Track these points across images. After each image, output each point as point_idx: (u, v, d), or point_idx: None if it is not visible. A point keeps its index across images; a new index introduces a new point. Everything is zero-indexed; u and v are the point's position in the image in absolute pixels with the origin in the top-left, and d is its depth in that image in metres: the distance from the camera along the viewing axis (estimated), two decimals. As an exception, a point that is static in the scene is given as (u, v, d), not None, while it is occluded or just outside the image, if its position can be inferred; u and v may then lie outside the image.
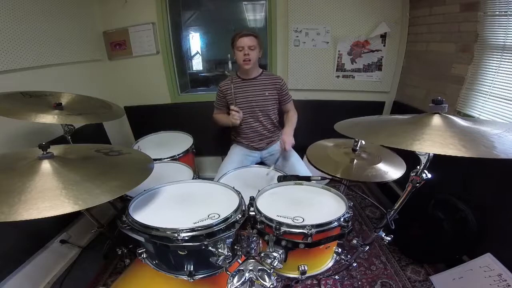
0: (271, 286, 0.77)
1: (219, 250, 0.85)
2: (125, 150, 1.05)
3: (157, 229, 0.82)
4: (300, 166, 1.62)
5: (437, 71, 1.91)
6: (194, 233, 0.81)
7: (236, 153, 1.79)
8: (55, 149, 0.87)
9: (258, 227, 0.91)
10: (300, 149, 1.59)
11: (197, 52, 2.95)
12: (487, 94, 1.56)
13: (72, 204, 0.67)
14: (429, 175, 0.84)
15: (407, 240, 1.68)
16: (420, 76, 2.11)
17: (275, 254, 0.86)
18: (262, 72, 1.72)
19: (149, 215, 0.92)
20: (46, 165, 0.79)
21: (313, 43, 2.28)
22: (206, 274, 0.91)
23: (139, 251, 0.92)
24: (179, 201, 1.02)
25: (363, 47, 2.25)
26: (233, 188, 1.08)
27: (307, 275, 0.92)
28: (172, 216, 0.93)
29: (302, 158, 1.67)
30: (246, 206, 0.97)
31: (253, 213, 0.92)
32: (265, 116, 1.72)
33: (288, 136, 1.61)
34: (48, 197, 0.68)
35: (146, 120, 2.52)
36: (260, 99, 1.68)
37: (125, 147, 1.15)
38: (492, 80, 1.53)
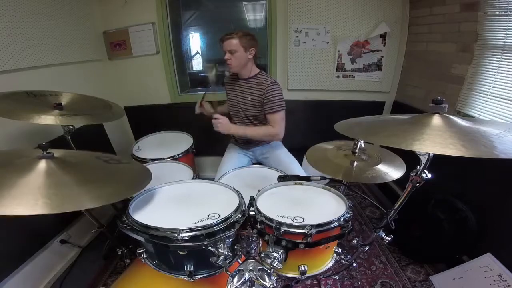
0: (271, 286, 0.77)
1: (219, 250, 0.85)
2: (124, 160, 1.06)
3: (157, 229, 0.82)
4: (295, 168, 1.59)
5: (437, 71, 1.91)
6: (194, 233, 0.81)
7: (232, 151, 1.80)
8: (58, 152, 0.88)
9: (258, 227, 0.91)
10: (300, 149, 1.58)
11: (197, 52, 2.94)
12: (487, 94, 1.56)
13: (55, 206, 0.67)
14: (429, 175, 0.84)
15: (407, 240, 1.68)
16: (420, 76, 2.11)
17: (275, 254, 0.86)
18: (257, 74, 1.60)
19: (149, 215, 0.92)
20: (42, 165, 0.79)
21: (313, 43, 2.28)
22: (206, 274, 0.91)
23: (139, 251, 0.92)
24: (179, 201, 1.02)
25: (363, 47, 2.25)
26: (233, 188, 1.08)
27: (307, 275, 0.92)
28: (172, 216, 0.93)
29: (301, 159, 1.67)
30: (246, 206, 0.97)
31: (253, 213, 0.92)
32: (248, 118, 1.66)
33: (226, 122, 1.49)
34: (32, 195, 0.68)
35: (146, 120, 2.52)
36: (243, 101, 1.62)
37: (126, 157, 1.15)
38: (492, 80, 1.53)
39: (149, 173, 1.01)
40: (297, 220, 0.88)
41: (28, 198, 0.67)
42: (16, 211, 0.63)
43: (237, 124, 1.71)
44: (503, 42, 1.45)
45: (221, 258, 0.84)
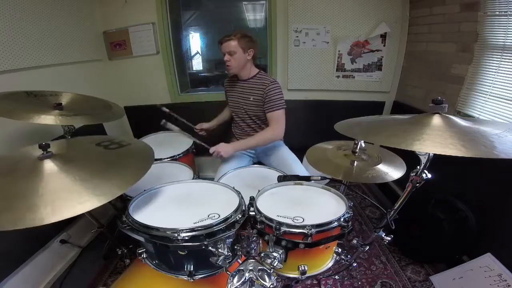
0: (271, 286, 0.77)
1: (219, 250, 0.85)
2: (124, 141, 1.05)
3: (157, 229, 0.82)
4: (297, 167, 1.60)
5: (437, 71, 1.91)
6: (194, 233, 0.81)
7: None
8: (53, 146, 0.86)
9: (258, 227, 0.91)
10: (300, 149, 1.58)
11: (197, 52, 2.95)
12: (487, 94, 1.56)
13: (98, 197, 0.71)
14: (429, 175, 0.84)
15: (407, 240, 1.68)
16: (420, 76, 2.11)
17: (275, 254, 0.86)
18: (256, 74, 1.62)
19: (149, 215, 0.92)
20: (48, 165, 0.79)
21: (313, 43, 2.28)
22: (206, 274, 0.91)
23: (139, 251, 0.92)
24: (179, 201, 1.02)
25: (363, 47, 2.25)
26: (233, 188, 1.08)
27: (307, 275, 0.92)
28: (172, 216, 0.93)
29: (301, 159, 1.67)
30: (246, 206, 0.97)
31: (253, 213, 0.92)
32: (251, 118, 1.68)
33: (224, 146, 1.52)
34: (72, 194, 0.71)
35: (146, 120, 2.52)
36: (245, 102, 1.64)
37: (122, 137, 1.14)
38: (492, 80, 1.53)
39: (150, 148, 1.03)
40: (297, 220, 0.88)
41: (69, 198, 0.70)
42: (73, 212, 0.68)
43: (237, 124, 1.74)
44: (503, 42, 1.45)
45: (221, 258, 0.84)
